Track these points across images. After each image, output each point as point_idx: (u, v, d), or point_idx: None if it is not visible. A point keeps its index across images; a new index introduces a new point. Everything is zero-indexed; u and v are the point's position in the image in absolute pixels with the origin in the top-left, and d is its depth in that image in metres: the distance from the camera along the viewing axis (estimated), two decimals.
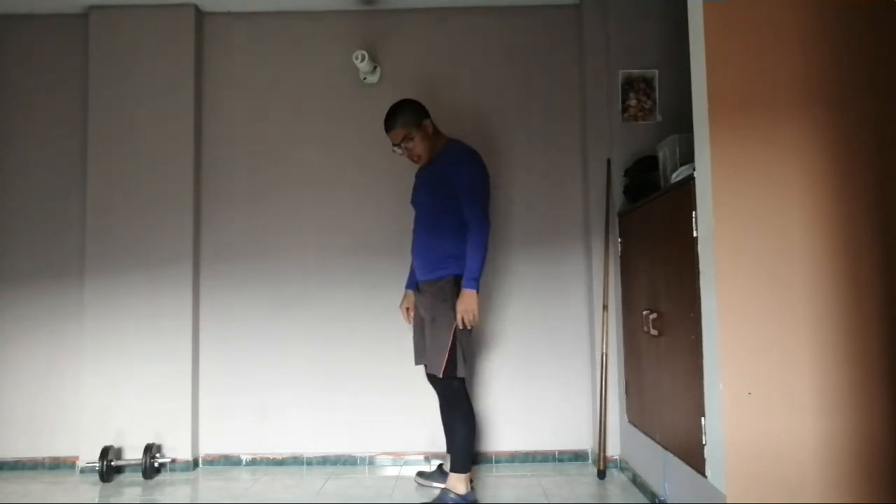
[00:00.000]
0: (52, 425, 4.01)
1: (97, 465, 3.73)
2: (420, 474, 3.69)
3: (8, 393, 4.04)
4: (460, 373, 3.13)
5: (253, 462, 4.00)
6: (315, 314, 4.07)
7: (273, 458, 3.99)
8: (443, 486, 3.34)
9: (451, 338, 3.12)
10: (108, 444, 3.82)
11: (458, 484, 3.19)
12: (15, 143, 4.15)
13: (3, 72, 4.18)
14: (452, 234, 3.20)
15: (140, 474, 3.80)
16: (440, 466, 3.68)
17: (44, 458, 3.91)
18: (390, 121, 3.30)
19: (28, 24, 4.18)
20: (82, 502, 3.47)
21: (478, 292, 3.09)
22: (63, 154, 4.13)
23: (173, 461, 3.87)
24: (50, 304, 4.06)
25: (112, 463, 3.77)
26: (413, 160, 3.36)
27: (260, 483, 3.71)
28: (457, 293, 3.12)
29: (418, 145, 3.27)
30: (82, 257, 4.00)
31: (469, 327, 3.11)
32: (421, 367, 4.00)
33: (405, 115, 3.27)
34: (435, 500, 3.22)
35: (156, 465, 3.82)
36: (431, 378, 3.34)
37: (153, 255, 3.95)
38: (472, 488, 3.25)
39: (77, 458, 3.93)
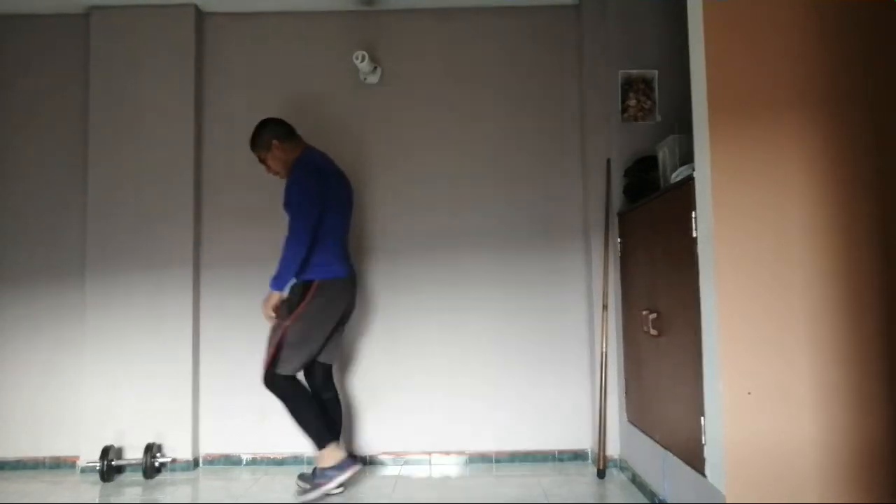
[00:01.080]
0: (53, 425, 4.01)
1: (98, 464, 3.73)
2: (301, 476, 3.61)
3: (9, 393, 4.05)
4: (282, 370, 3.34)
5: (253, 462, 4.01)
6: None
7: (273, 458, 4.00)
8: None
9: (279, 336, 3.33)
10: (108, 443, 3.82)
11: (324, 459, 3.37)
12: (16, 143, 4.15)
13: (3, 72, 4.18)
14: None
15: (141, 474, 3.81)
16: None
17: (45, 458, 3.92)
18: (250, 145, 3.60)
19: (29, 25, 4.18)
20: (83, 502, 3.47)
21: (280, 294, 3.32)
22: (64, 154, 4.14)
23: (174, 461, 3.87)
24: (51, 305, 4.07)
25: (113, 462, 3.77)
26: (275, 176, 3.63)
27: (260, 483, 3.72)
28: (301, 297, 3.35)
29: (273, 164, 3.55)
30: (83, 258, 4.00)
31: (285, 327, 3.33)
32: (419, 367, 4.04)
33: (257, 140, 3.55)
34: (311, 478, 3.40)
35: (156, 464, 3.82)
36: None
37: (154, 256, 3.95)
38: (343, 457, 3.39)
39: (78, 457, 3.94)
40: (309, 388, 3.55)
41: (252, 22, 4.20)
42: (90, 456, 3.84)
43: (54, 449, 4.00)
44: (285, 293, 3.38)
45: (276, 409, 3.95)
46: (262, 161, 3.58)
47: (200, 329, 4.05)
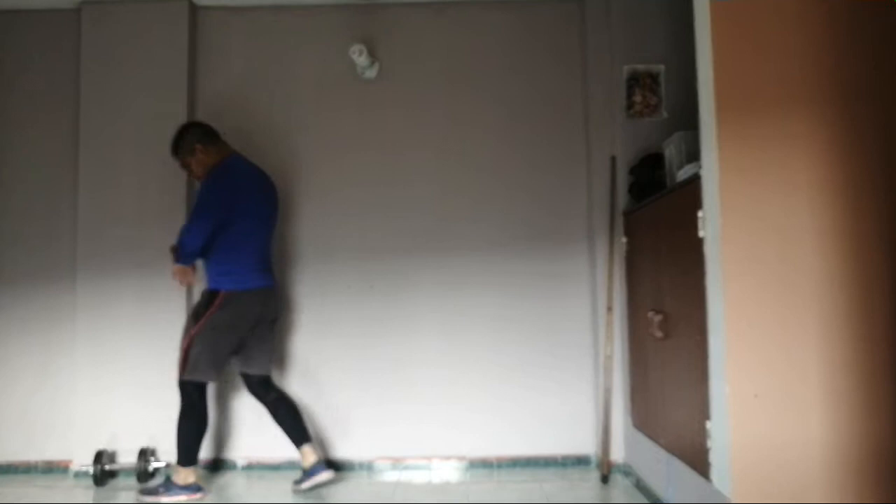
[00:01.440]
0: (46, 429, 3.96)
1: (91, 468, 3.69)
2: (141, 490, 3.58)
3: (0, 396, 3.99)
4: (189, 376, 3.39)
5: (249, 466, 3.96)
6: (311, 317, 4.03)
7: (269, 463, 3.95)
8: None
9: (187, 342, 3.40)
10: (101, 447, 3.77)
11: (180, 475, 3.42)
12: (5, 142, 4.10)
13: None
14: (214, 251, 3.47)
15: (135, 478, 3.75)
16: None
17: (37, 462, 3.86)
18: (172, 149, 3.59)
19: (20, 20, 4.13)
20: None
21: (187, 264, 3.48)
22: (55, 154, 4.08)
23: (168, 465, 3.80)
24: (42, 307, 4.02)
25: (106, 467, 3.73)
26: (196, 179, 3.65)
27: (256, 487, 3.68)
28: (208, 305, 3.42)
29: (196, 168, 3.57)
30: (74, 259, 3.95)
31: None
32: (420, 370, 3.98)
33: (180, 144, 3.56)
34: (156, 487, 3.44)
35: (150, 469, 3.76)
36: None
37: (146, 258, 3.88)
38: (193, 481, 3.44)
39: (71, 461, 3.88)
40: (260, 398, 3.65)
41: (247, 16, 4.15)
42: (83, 460, 3.79)
43: (46, 453, 3.95)
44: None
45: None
46: (185, 165, 3.59)
47: None
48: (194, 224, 3.40)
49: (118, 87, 3.99)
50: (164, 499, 3.39)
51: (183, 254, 3.43)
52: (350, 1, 4.10)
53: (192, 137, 3.54)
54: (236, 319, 3.43)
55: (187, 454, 3.43)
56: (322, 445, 3.94)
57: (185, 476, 3.43)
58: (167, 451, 3.80)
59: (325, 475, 3.48)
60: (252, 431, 3.97)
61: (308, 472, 3.50)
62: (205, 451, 3.89)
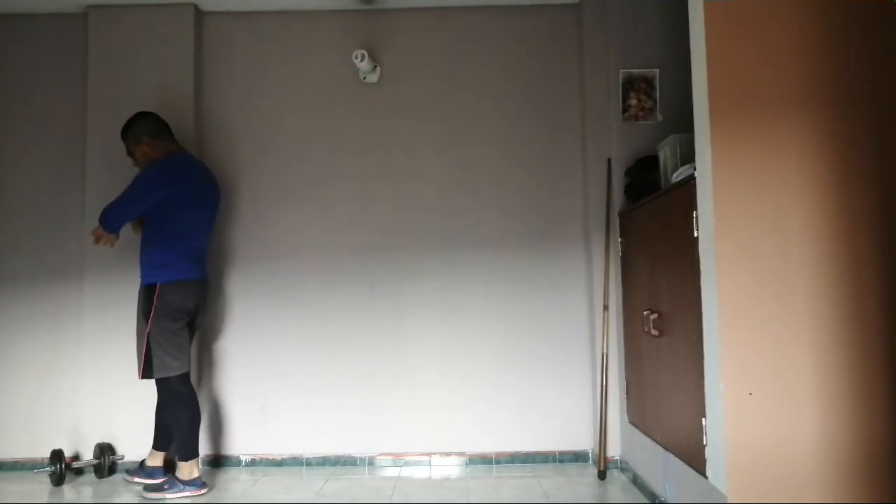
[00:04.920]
0: (52, 426, 3.99)
1: (94, 463, 3.77)
2: (128, 472, 3.72)
3: (8, 394, 4.03)
4: (159, 374, 3.43)
5: (252, 463, 3.99)
6: (314, 315, 4.06)
7: (272, 459, 3.98)
8: (145, 480, 3.58)
9: (144, 343, 3.44)
10: (107, 443, 3.83)
11: (183, 470, 3.46)
12: (14, 143, 4.14)
13: (1, 72, 4.17)
14: (149, 244, 3.54)
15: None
16: (142, 462, 3.72)
17: (43, 459, 3.88)
18: (121, 134, 3.63)
19: (27, 24, 4.17)
20: (83, 502, 3.49)
21: (108, 233, 3.56)
22: (62, 155, 4.12)
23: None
24: (49, 306, 4.05)
25: (112, 462, 3.80)
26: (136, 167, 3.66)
27: (259, 484, 3.71)
28: (149, 302, 3.43)
29: (140, 158, 3.60)
30: (82, 260, 3.99)
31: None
32: (420, 368, 4.03)
33: (129, 132, 3.60)
34: (161, 484, 3.47)
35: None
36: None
37: None
38: (198, 475, 3.51)
39: (77, 457, 3.91)
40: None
41: (251, 21, 4.19)
42: (89, 456, 3.84)
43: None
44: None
45: (275, 410, 3.98)
46: (130, 153, 3.64)
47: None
48: (117, 206, 3.49)
49: (124, 91, 4.02)
50: (168, 496, 3.42)
51: (104, 224, 3.53)
52: (352, 6, 4.14)
53: (142, 128, 3.58)
54: (178, 307, 3.46)
55: (186, 448, 3.47)
56: (322, 442, 4.01)
57: (189, 471, 3.47)
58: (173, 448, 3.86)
59: (160, 481, 3.54)
60: (253, 428, 4.01)
61: (146, 472, 3.62)
62: (206, 448, 3.96)
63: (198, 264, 3.62)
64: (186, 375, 3.51)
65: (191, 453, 3.48)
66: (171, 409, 3.50)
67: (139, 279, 3.57)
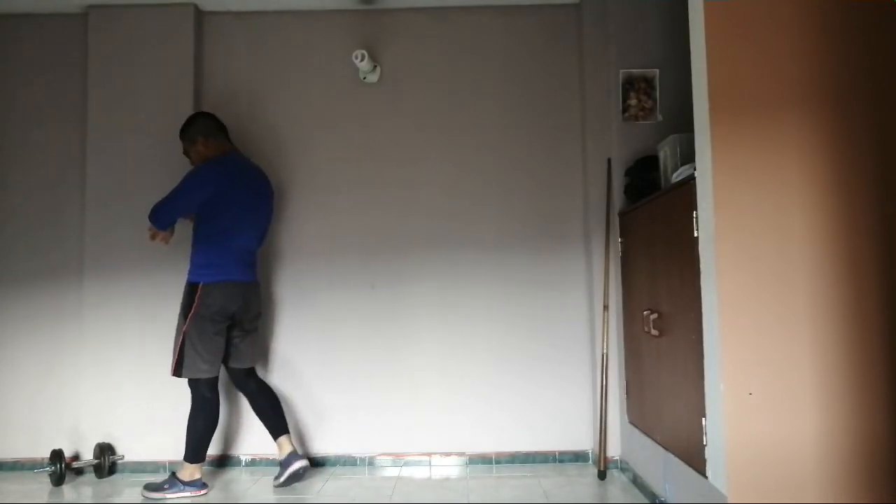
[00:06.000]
0: (52, 426, 3.99)
1: (94, 463, 3.77)
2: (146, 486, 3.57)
3: (7, 393, 4.04)
4: (188, 374, 3.44)
5: (253, 462, 3.99)
6: (315, 315, 4.07)
7: (273, 459, 3.95)
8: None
9: (179, 341, 3.44)
10: (107, 443, 3.83)
11: (185, 472, 3.48)
12: (14, 143, 4.14)
13: (1, 72, 4.17)
14: (197, 243, 3.57)
15: (140, 474, 3.80)
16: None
17: (43, 459, 3.88)
18: (179, 134, 3.70)
19: (27, 24, 4.17)
20: (83, 502, 3.49)
21: (159, 230, 3.61)
22: (62, 154, 4.12)
23: (172, 462, 3.85)
24: (49, 306, 4.05)
25: (112, 462, 3.80)
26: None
27: (260, 483, 3.71)
28: (190, 300, 3.44)
29: (194, 157, 3.67)
30: (81, 260, 3.99)
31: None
32: (420, 368, 4.03)
33: (185, 132, 3.68)
34: (161, 482, 3.49)
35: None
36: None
37: (153, 256, 3.92)
38: (199, 476, 3.52)
39: (77, 457, 3.91)
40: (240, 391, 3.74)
41: (251, 21, 4.19)
42: (89, 456, 3.84)
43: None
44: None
45: None
46: (185, 152, 3.71)
47: None
48: (165, 203, 3.53)
49: (124, 91, 4.02)
50: (168, 496, 3.43)
51: (153, 222, 3.58)
52: (352, 6, 4.14)
53: (197, 129, 3.64)
54: (219, 309, 3.45)
55: (195, 451, 3.47)
56: (323, 442, 4.01)
57: (191, 472, 3.47)
58: (172, 448, 3.85)
59: (300, 463, 3.51)
60: (256, 428, 3.98)
61: (283, 464, 3.55)
62: (210, 449, 3.93)
63: (245, 266, 3.61)
64: (215, 380, 3.52)
65: (198, 457, 3.49)
66: (192, 409, 3.49)
67: (185, 277, 3.58)
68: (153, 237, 3.65)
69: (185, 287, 3.52)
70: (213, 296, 3.44)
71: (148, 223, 3.60)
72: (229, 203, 3.52)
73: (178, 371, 3.44)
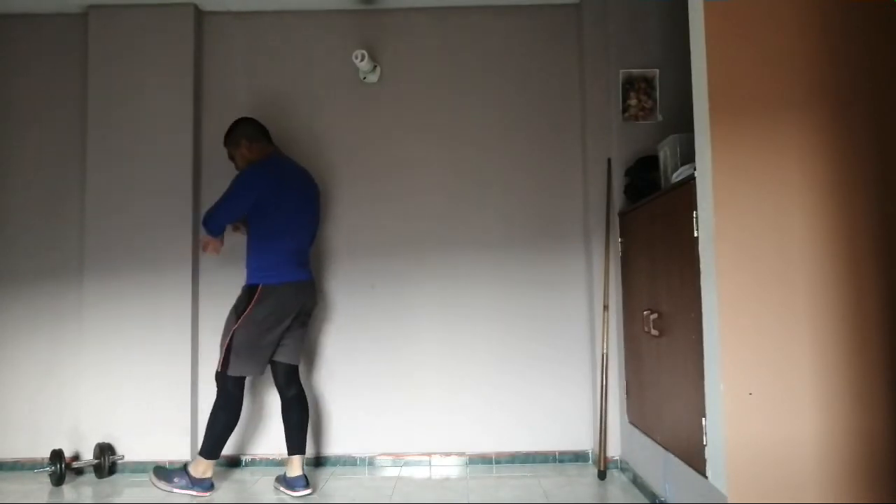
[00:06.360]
0: (52, 426, 3.99)
1: (94, 463, 3.77)
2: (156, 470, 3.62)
3: (7, 393, 4.03)
4: (234, 371, 3.44)
5: (252, 462, 4.00)
6: (314, 314, 4.05)
7: (272, 459, 3.98)
8: (287, 491, 3.52)
9: (228, 339, 3.44)
10: (107, 443, 3.83)
11: (198, 467, 3.48)
12: (13, 143, 4.14)
13: (1, 72, 4.17)
14: (251, 247, 3.60)
15: (140, 474, 3.79)
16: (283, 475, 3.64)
17: (43, 459, 3.88)
18: (224, 139, 3.74)
19: (27, 24, 4.17)
20: (83, 502, 3.49)
21: (213, 237, 3.65)
22: (62, 154, 4.12)
23: (170, 463, 3.85)
24: (49, 305, 4.05)
25: (112, 462, 3.80)
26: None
27: (260, 483, 3.71)
28: (247, 301, 3.46)
29: (239, 161, 3.69)
30: (81, 258, 3.99)
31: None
32: (421, 368, 4.03)
33: (230, 137, 3.71)
34: (172, 471, 3.52)
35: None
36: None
37: (153, 256, 3.94)
38: (209, 477, 3.50)
39: (76, 457, 3.91)
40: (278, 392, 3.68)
41: (251, 21, 4.19)
42: (88, 456, 3.84)
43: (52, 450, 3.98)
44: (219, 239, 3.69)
45: (274, 410, 3.97)
46: (231, 157, 3.73)
47: (199, 329, 4.03)
48: (218, 209, 3.55)
49: (125, 90, 4.02)
50: (176, 490, 3.43)
51: (206, 229, 3.62)
52: (352, 6, 4.14)
53: (241, 132, 3.66)
54: (276, 313, 3.45)
55: (212, 447, 3.46)
56: (323, 442, 4.01)
57: (204, 469, 3.47)
58: (173, 448, 3.87)
59: (304, 492, 3.47)
60: (260, 428, 4.02)
61: (288, 482, 3.51)
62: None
63: (298, 266, 3.61)
64: (243, 379, 3.51)
65: (213, 454, 3.47)
66: (215, 405, 3.48)
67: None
68: (205, 247, 3.68)
69: (244, 288, 3.56)
70: (271, 297, 3.45)
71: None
72: (278, 204, 3.53)
73: (224, 368, 3.43)
